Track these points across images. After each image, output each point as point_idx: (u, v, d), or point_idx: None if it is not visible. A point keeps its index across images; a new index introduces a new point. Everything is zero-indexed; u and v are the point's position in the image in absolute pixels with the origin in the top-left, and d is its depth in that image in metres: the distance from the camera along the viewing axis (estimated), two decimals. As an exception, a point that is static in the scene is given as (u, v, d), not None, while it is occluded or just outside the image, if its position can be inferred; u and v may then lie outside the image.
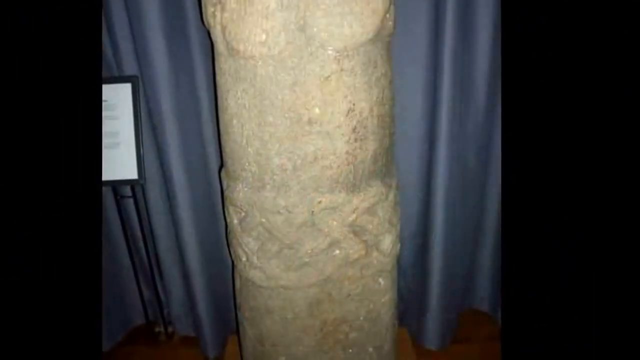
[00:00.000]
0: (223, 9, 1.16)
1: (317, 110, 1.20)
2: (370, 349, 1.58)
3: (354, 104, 1.22)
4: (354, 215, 1.34)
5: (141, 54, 1.71)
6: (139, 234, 2.13)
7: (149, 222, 2.10)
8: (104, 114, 1.86)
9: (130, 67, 1.83)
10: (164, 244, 2.12)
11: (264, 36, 1.14)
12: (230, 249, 1.53)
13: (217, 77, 1.31)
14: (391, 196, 1.40)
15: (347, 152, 1.26)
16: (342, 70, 1.18)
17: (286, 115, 1.21)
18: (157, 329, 2.36)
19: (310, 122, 1.21)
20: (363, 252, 1.39)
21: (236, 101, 1.25)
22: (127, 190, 2.03)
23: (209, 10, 1.21)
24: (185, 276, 2.08)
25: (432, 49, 1.76)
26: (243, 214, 1.38)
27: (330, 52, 1.16)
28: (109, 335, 2.28)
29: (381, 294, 1.51)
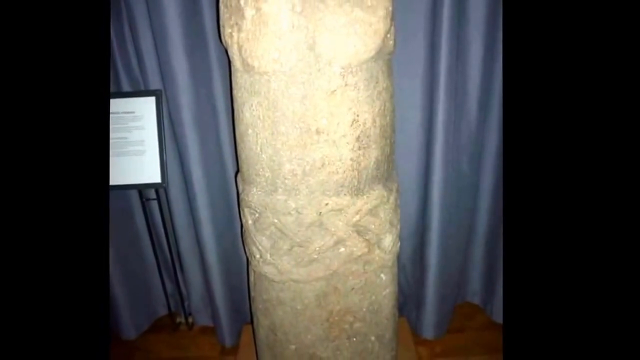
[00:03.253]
0: (240, 30, 1.18)
1: (324, 121, 1.21)
2: (373, 338, 1.58)
3: (357, 115, 1.23)
4: (357, 217, 1.34)
5: (165, 70, 1.73)
6: (162, 233, 2.15)
7: (172, 222, 2.11)
8: (131, 124, 1.88)
9: (154, 82, 1.85)
10: (185, 242, 2.13)
11: (276, 54, 1.15)
12: (245, 247, 1.54)
13: (234, 91, 1.32)
14: (392, 199, 1.41)
15: (351, 159, 1.27)
16: (346, 85, 1.19)
17: (296, 125, 1.22)
18: (178, 320, 2.37)
19: (318, 132, 1.22)
20: (366, 250, 1.40)
21: (251, 112, 1.26)
22: (152, 193, 2.05)
23: (226, 30, 1.23)
24: (204, 271, 2.09)
25: (429, 66, 1.77)
26: (257, 215, 1.39)
27: (336, 68, 1.17)
28: (136, 325, 2.29)
29: (382, 288, 1.51)
